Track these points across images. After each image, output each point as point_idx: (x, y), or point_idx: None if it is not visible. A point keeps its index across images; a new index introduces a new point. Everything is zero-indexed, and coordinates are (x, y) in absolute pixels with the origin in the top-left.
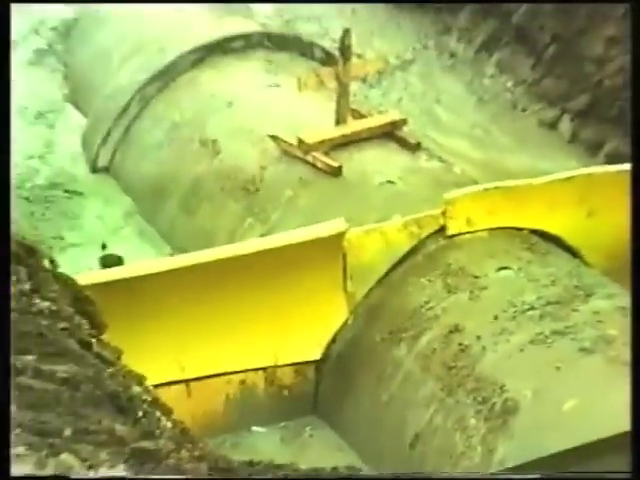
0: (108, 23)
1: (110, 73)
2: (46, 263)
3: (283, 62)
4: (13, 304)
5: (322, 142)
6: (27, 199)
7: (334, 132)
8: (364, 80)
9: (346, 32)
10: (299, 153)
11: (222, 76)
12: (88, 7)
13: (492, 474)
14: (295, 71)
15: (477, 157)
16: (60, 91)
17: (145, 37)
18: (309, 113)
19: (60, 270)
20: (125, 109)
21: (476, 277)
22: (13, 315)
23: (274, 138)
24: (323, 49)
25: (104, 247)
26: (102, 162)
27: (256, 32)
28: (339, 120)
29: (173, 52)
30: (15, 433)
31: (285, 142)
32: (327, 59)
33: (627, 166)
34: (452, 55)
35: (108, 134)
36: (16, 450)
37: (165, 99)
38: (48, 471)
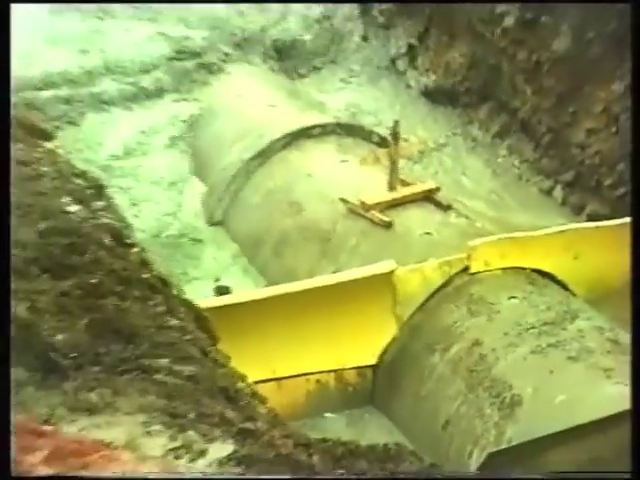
0: (222, 117)
1: (223, 153)
2: (176, 292)
3: (350, 145)
4: (152, 322)
5: (378, 203)
6: (163, 245)
7: (387, 196)
8: (409, 158)
9: (396, 123)
10: (361, 211)
11: (304, 155)
12: (212, 104)
13: (492, 474)
14: (359, 151)
15: (492, 215)
16: (187, 166)
17: (248, 126)
18: (369, 182)
19: (186, 297)
20: (234, 179)
21: (492, 304)
22: (151, 330)
23: (343, 200)
24: (379, 135)
25: (217, 280)
26: (217, 218)
27: (330, 122)
28: (391, 187)
29: (269, 137)
30: (153, 415)
31: (351, 203)
32: (382, 142)
33: (603, 223)
34: (474, 140)
35: (221, 197)
36: (153, 428)
37: (263, 172)
38: (177, 444)
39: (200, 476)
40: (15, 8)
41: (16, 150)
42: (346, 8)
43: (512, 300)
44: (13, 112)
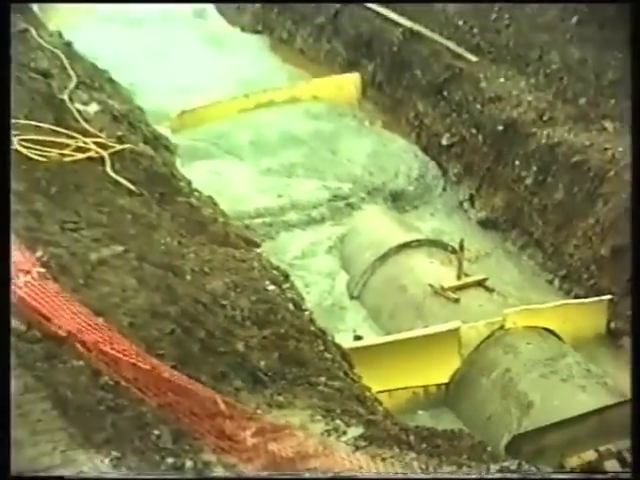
0: (360, 234)
1: (359, 256)
2: (330, 338)
3: (435, 252)
4: (315, 355)
5: (450, 287)
6: (322, 310)
7: (456, 282)
8: (469, 261)
9: (462, 240)
10: (440, 292)
11: (408, 258)
12: (354, 227)
13: (491, 474)
14: (440, 256)
15: (517, 295)
16: (338, 264)
17: (374, 240)
18: (445, 274)
19: (336, 341)
20: (365, 272)
21: (516, 347)
22: (315, 360)
23: (430, 285)
24: (452, 247)
25: (355, 332)
26: (355, 295)
27: (423, 239)
28: (458, 277)
29: (386, 247)
30: (315, 411)
31: (435, 287)
32: (454, 251)
33: (581, 300)
34: (507, 251)
35: (357, 282)
36: (315, 418)
37: (383, 268)
38: (329, 427)
39: (200, 476)
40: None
41: (241, 254)
42: (434, 171)
43: (528, 345)
44: (236, 230)
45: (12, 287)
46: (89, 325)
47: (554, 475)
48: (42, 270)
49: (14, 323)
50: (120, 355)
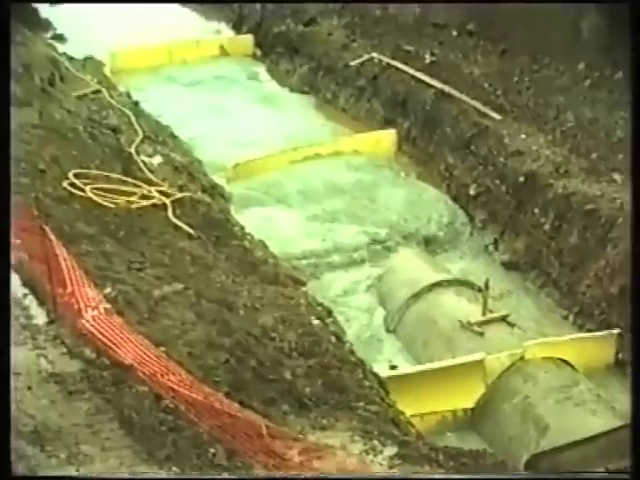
0: (396, 274)
1: (395, 293)
2: (368, 367)
3: (463, 290)
4: (355, 383)
5: (476, 322)
6: (361, 342)
7: (481, 318)
8: (493, 298)
9: (487, 279)
10: (467, 326)
11: (439, 295)
12: (390, 267)
13: (492, 474)
14: (467, 294)
15: (535, 329)
16: (376, 301)
17: (408, 279)
18: (472, 310)
19: (374, 370)
20: (400, 308)
21: (535, 376)
22: (355, 387)
23: (459, 321)
24: (479, 286)
25: (390, 362)
26: (391, 328)
27: (452, 279)
28: (483, 313)
29: (420, 286)
30: (355, 432)
31: (462, 322)
32: (479, 289)
33: (593, 334)
34: (527, 290)
35: (393, 317)
36: (354, 438)
37: (416, 304)
38: (367, 447)
39: (201, 476)
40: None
41: (289, 292)
42: (462, 218)
43: (546, 374)
44: (285, 271)
45: (82, 320)
46: (150, 356)
47: (554, 475)
48: (108, 306)
49: (86, 352)
50: (175, 386)
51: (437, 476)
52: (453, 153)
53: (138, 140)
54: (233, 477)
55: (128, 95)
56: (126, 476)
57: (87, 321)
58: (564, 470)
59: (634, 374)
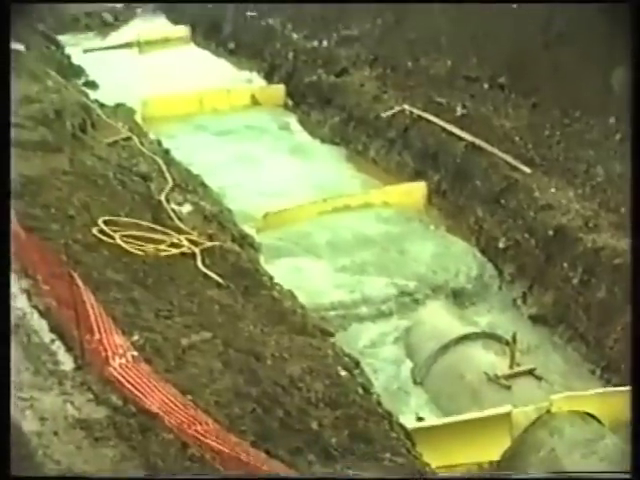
0: (424, 325)
1: (422, 346)
2: (394, 418)
3: (491, 343)
4: (382, 434)
5: (504, 375)
6: (389, 394)
7: (509, 371)
8: (521, 351)
9: (514, 333)
10: (494, 379)
11: (466, 347)
12: (418, 320)
13: (492, 475)
14: (495, 347)
15: (562, 383)
16: (404, 353)
17: (436, 330)
18: (499, 363)
19: (400, 421)
20: (427, 360)
21: (561, 429)
22: (383, 437)
23: (486, 373)
24: (506, 339)
25: (417, 414)
26: (418, 380)
27: (480, 332)
28: (510, 366)
29: (447, 338)
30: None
31: (489, 375)
32: (507, 342)
33: (619, 389)
34: (555, 344)
35: (421, 370)
36: None
37: (443, 357)
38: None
39: (201, 476)
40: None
41: (317, 342)
42: (491, 271)
43: (572, 427)
44: (313, 321)
45: (109, 367)
46: (177, 404)
47: (554, 475)
48: (136, 353)
49: (113, 399)
50: (202, 435)
51: (437, 476)
52: (483, 206)
53: (168, 188)
54: (233, 477)
55: (159, 143)
56: (126, 476)
57: (114, 368)
58: None
59: (633, 379)
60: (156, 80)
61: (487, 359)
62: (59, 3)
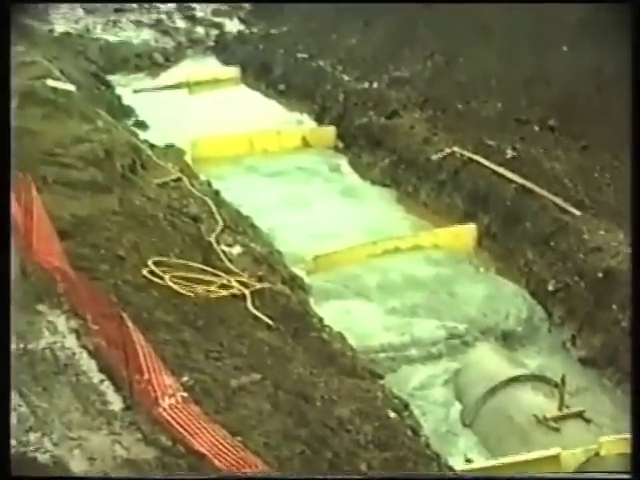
0: (472, 369)
1: (472, 387)
2: (443, 460)
3: (539, 386)
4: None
5: (552, 417)
6: (437, 435)
7: (557, 413)
8: (570, 394)
9: (564, 376)
10: (542, 420)
11: (516, 390)
12: (467, 362)
13: (492, 475)
14: (544, 389)
15: (609, 425)
16: (453, 394)
17: (485, 373)
18: (548, 406)
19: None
20: (476, 403)
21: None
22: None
23: (535, 416)
24: (555, 381)
25: (466, 456)
26: (467, 423)
27: (529, 374)
28: (559, 408)
29: (495, 382)
30: None
31: (537, 417)
32: (556, 385)
33: None
34: (603, 386)
35: (469, 412)
36: None
37: (491, 400)
38: None
39: (201, 476)
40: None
41: (366, 384)
42: (540, 314)
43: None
44: (362, 363)
45: (159, 408)
46: (226, 446)
47: (554, 475)
48: (185, 394)
49: (162, 439)
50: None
51: (436, 476)
52: (533, 249)
53: (218, 229)
54: (233, 477)
55: (209, 184)
56: (126, 476)
57: (164, 409)
58: None
59: (634, 376)
60: (206, 121)
61: (536, 401)
62: (60, 3)
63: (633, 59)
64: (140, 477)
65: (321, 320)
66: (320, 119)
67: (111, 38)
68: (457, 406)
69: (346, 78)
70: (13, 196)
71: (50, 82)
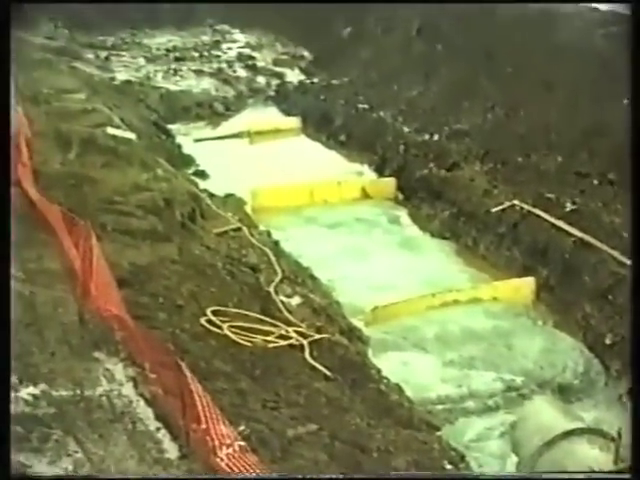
0: (529, 421)
1: (528, 440)
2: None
3: (596, 440)
4: None
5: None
6: (478, 464)
7: (613, 467)
8: (625, 448)
9: (620, 429)
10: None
11: (570, 444)
12: (522, 415)
13: (492, 474)
14: (598, 452)
15: None
16: (508, 447)
17: (542, 426)
18: (604, 459)
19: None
20: (534, 455)
21: None
22: None
23: (590, 469)
24: (612, 435)
25: None
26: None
27: (585, 427)
28: (615, 462)
29: (551, 435)
30: None
31: (593, 469)
32: (612, 438)
33: None
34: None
35: (525, 465)
36: None
37: (550, 453)
38: None
39: (201, 476)
40: None
41: (423, 436)
42: (597, 367)
43: None
44: (419, 415)
45: (216, 458)
46: None
47: (554, 475)
48: (243, 444)
49: None
50: None
51: (435, 476)
52: (590, 302)
53: (277, 280)
54: (232, 477)
55: (268, 234)
56: (126, 476)
57: (221, 458)
58: None
59: (634, 375)
60: (266, 171)
61: (592, 454)
62: (60, 3)
63: (633, 60)
64: (140, 477)
65: (379, 371)
66: (380, 170)
67: (172, 87)
68: (513, 459)
69: (406, 129)
70: (71, 243)
71: (110, 130)
